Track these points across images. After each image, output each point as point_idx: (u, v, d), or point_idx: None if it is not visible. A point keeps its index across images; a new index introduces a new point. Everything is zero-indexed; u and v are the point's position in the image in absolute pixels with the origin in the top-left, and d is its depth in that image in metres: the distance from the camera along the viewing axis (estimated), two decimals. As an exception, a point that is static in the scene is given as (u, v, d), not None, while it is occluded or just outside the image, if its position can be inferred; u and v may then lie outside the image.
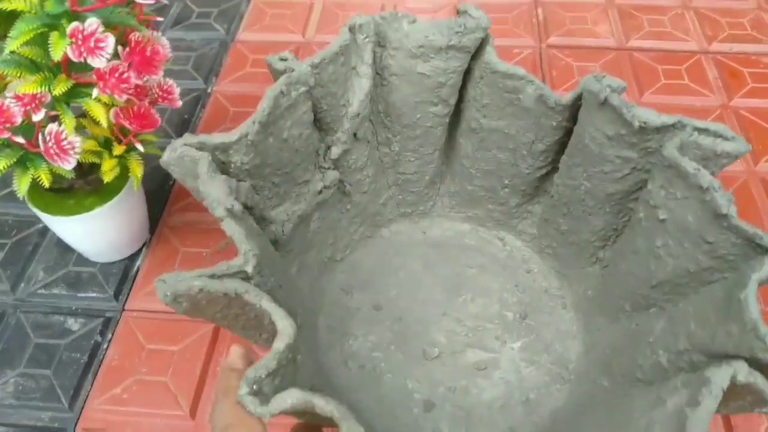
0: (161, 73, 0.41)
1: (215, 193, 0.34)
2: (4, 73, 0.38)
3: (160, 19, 0.48)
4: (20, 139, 0.41)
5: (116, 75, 0.38)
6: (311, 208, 0.47)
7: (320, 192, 0.47)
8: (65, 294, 0.56)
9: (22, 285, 0.56)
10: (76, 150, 0.41)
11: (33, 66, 0.39)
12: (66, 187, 0.51)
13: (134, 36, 0.40)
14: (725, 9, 0.80)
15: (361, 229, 0.54)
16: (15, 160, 0.42)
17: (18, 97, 0.39)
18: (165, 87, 0.45)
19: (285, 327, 0.29)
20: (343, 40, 0.44)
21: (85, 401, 0.49)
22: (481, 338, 0.48)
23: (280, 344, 0.29)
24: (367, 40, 0.45)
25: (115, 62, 0.38)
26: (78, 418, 0.48)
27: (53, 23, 0.37)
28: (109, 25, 0.38)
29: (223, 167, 0.39)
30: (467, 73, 0.47)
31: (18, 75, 0.38)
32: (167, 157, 0.36)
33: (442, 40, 0.44)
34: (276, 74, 0.41)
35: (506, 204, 0.52)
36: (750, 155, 0.64)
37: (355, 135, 0.47)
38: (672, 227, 0.37)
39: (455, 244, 0.54)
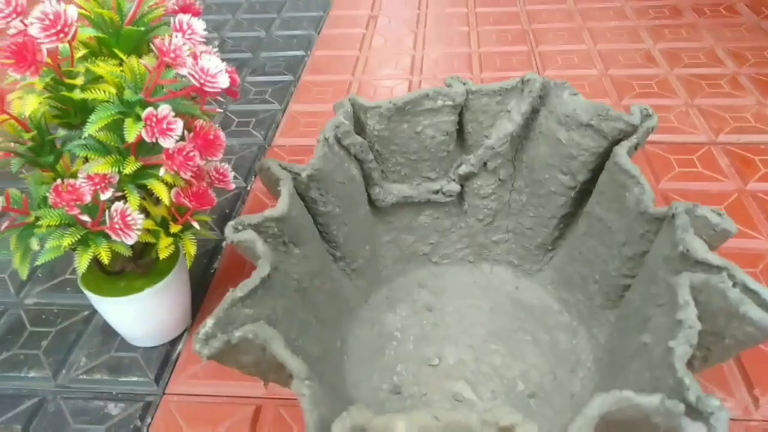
0: (220, 156, 0.45)
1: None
2: (81, 155, 0.42)
3: (219, 110, 0.53)
4: (86, 218, 0.44)
5: (183, 154, 0.42)
6: (422, 200, 0.58)
7: (436, 192, 0.57)
8: (106, 379, 0.56)
9: (64, 371, 0.57)
10: (138, 226, 0.44)
11: (104, 149, 0.43)
12: (118, 270, 0.54)
13: (198, 123, 0.44)
14: (726, 105, 0.86)
15: (465, 250, 0.60)
16: (78, 237, 0.45)
17: (89, 177, 0.42)
18: (221, 170, 0.49)
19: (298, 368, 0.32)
20: (506, 84, 0.53)
21: (121, 488, 0.48)
22: (479, 381, 0.50)
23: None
24: (530, 94, 0.52)
25: (182, 143, 0.42)
26: (114, 505, 0.47)
27: (128, 111, 0.42)
28: (176, 114, 0.43)
29: (359, 126, 0.54)
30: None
31: (91, 157, 0.42)
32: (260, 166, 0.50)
33: (584, 117, 0.49)
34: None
35: (592, 300, 0.53)
36: (772, 234, 0.66)
37: (485, 164, 0.55)
38: None
39: (531, 310, 0.57)
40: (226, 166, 0.49)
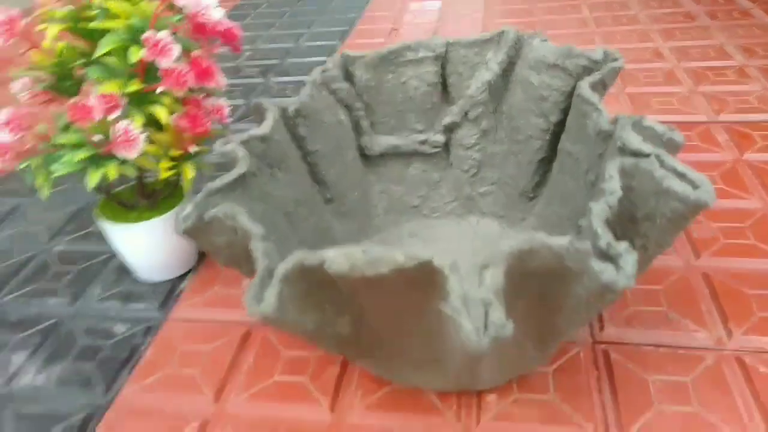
0: (214, 83, 0.51)
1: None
2: (94, 77, 0.49)
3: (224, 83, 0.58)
4: (96, 138, 0.50)
5: (178, 75, 0.48)
6: (410, 150, 0.62)
7: (423, 143, 0.61)
8: (117, 306, 0.61)
9: (80, 300, 0.63)
10: (140, 143, 0.50)
11: (114, 73, 0.50)
12: (130, 205, 0.60)
13: (194, 53, 0.50)
14: (731, 91, 0.87)
15: (454, 203, 0.64)
16: (89, 155, 0.51)
17: (100, 97, 0.49)
18: (217, 105, 0.55)
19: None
20: (483, 36, 0.57)
21: (117, 392, 0.52)
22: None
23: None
24: (506, 44, 0.56)
25: (178, 64, 0.48)
26: (110, 404, 0.51)
27: (134, 38, 0.48)
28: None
29: (349, 79, 0.59)
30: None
31: (102, 79, 0.49)
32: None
33: (551, 58, 0.53)
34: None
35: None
36: None
37: (466, 114, 0.59)
38: None
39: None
40: (223, 102, 0.55)
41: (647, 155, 0.38)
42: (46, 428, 0.49)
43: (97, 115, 0.49)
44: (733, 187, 0.67)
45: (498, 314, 0.30)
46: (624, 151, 0.40)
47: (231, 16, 1.51)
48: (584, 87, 0.50)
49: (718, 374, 0.47)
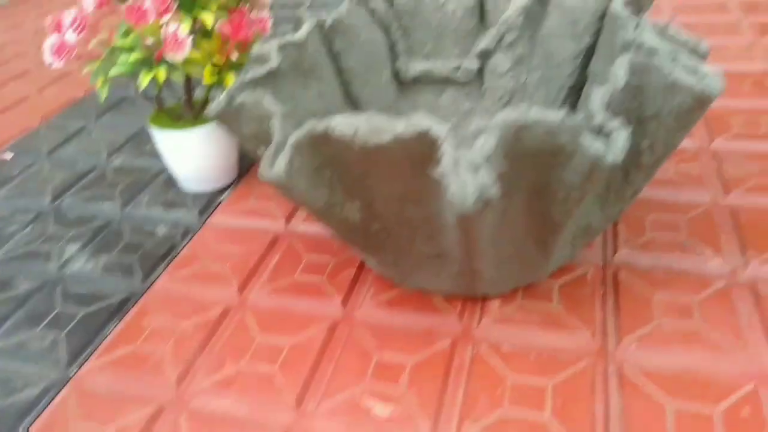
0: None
1: None
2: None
3: None
4: (149, 40, 0.55)
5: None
6: (443, 76, 0.63)
7: (457, 69, 0.62)
8: (161, 212, 0.66)
9: (130, 206, 0.68)
10: (187, 46, 0.53)
11: (168, -19, 0.53)
12: (178, 116, 0.65)
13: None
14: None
15: None
16: (142, 57, 0.55)
17: (154, 1, 0.53)
18: (261, 19, 0.58)
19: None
20: None
21: (154, 281, 0.57)
22: None
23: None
24: None
25: (223, -27, 0.51)
26: (146, 290, 0.56)
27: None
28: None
29: (388, 1, 0.60)
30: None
31: (156, -14, 0.53)
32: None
33: None
34: None
35: None
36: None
37: (501, 39, 0.59)
38: None
39: None
40: (267, 14, 0.58)
41: (659, 53, 0.38)
42: (87, 305, 0.55)
43: (151, 17, 0.53)
44: (778, 134, 0.65)
45: (485, 175, 0.32)
46: (640, 49, 0.40)
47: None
48: (616, 4, 0.49)
49: (726, 298, 0.47)
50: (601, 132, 0.33)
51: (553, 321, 0.47)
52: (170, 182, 0.71)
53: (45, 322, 0.53)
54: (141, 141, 0.82)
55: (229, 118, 0.45)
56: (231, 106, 0.44)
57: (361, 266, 0.55)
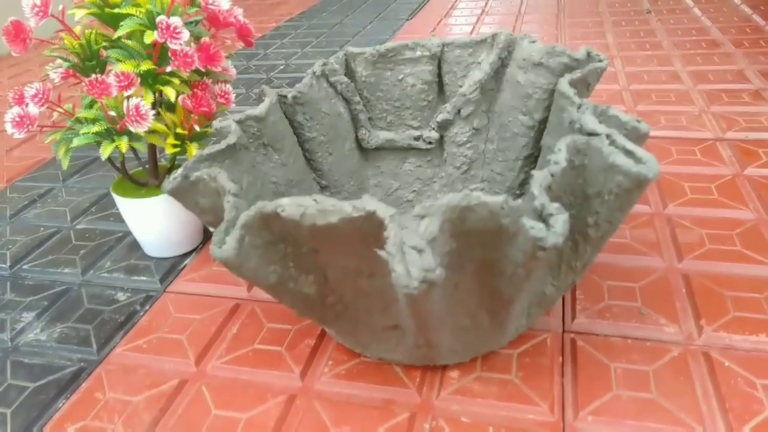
0: (219, 67, 0.55)
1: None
2: (113, 57, 0.54)
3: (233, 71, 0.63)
4: (112, 113, 0.55)
5: (185, 56, 0.52)
6: (405, 145, 0.65)
7: (417, 139, 0.64)
8: (122, 278, 0.66)
9: (91, 271, 0.67)
10: (149, 119, 0.54)
11: (131, 55, 0.55)
12: (142, 183, 0.65)
13: (204, 40, 0.55)
14: (743, 112, 0.87)
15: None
16: (105, 129, 0.56)
17: (117, 75, 0.54)
18: (224, 90, 0.59)
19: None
20: (478, 38, 0.61)
21: (109, 352, 0.56)
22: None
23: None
24: (499, 46, 0.59)
25: (186, 48, 0.53)
26: (101, 361, 0.55)
27: (150, 24, 0.53)
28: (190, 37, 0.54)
29: (350, 75, 0.63)
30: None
31: (120, 59, 0.54)
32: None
33: (537, 57, 0.56)
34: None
35: None
36: None
37: (459, 111, 0.62)
38: None
39: None
40: (230, 88, 0.60)
41: (601, 135, 0.40)
42: (40, 377, 0.53)
43: (114, 91, 0.54)
44: (727, 198, 0.67)
45: (428, 259, 0.32)
46: (581, 132, 0.42)
47: (272, 35, 1.59)
48: (563, 82, 0.52)
49: (682, 366, 0.47)
50: (541, 215, 0.34)
51: (511, 393, 0.46)
52: (134, 246, 0.71)
53: (-7, 398, 0.52)
54: (108, 204, 0.81)
55: (184, 193, 0.45)
56: (187, 180, 0.44)
57: (322, 335, 0.54)
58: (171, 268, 0.66)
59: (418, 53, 0.62)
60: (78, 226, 0.77)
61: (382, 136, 0.65)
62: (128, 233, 0.74)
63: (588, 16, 1.43)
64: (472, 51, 0.62)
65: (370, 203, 0.35)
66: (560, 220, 0.33)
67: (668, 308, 0.53)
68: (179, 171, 0.45)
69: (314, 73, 0.60)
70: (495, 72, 0.61)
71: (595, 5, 1.53)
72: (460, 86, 0.63)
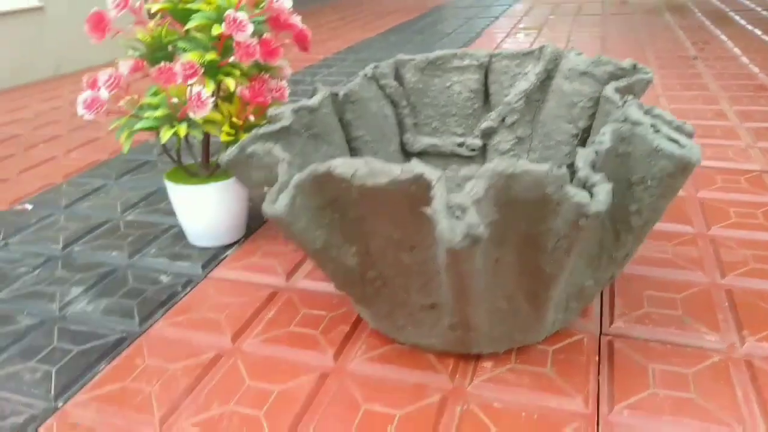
0: (278, 61, 0.59)
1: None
2: (181, 47, 0.58)
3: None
4: (174, 99, 0.59)
5: (248, 48, 0.56)
6: (448, 150, 0.67)
7: (461, 145, 0.66)
8: (166, 262, 0.68)
9: (137, 256, 0.70)
10: (209, 106, 0.58)
11: (199, 46, 0.58)
12: (194, 173, 0.68)
13: (265, 36, 0.59)
14: (791, 148, 0.86)
15: None
16: (166, 114, 0.59)
17: (183, 65, 0.58)
18: (279, 87, 0.62)
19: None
20: (525, 50, 0.63)
21: (151, 325, 0.58)
22: None
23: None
24: (546, 59, 0.62)
25: (250, 41, 0.56)
26: (143, 332, 0.56)
27: (219, 17, 0.57)
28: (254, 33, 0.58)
29: (398, 79, 0.65)
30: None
31: (187, 49, 0.58)
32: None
33: (582, 66, 0.58)
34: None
35: None
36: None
37: (503, 120, 0.64)
38: None
39: None
40: (285, 84, 0.63)
41: (643, 124, 0.41)
42: (83, 343, 0.55)
43: (179, 79, 0.58)
44: (774, 224, 0.66)
45: (473, 216, 0.33)
46: (626, 121, 0.43)
47: (319, 65, 1.66)
48: (608, 88, 0.53)
49: (722, 370, 0.46)
50: (585, 185, 0.35)
51: (545, 384, 0.46)
52: (179, 237, 0.73)
53: (39, 357, 0.53)
54: (157, 200, 0.85)
55: (240, 165, 0.47)
56: (243, 153, 0.47)
57: (357, 323, 0.55)
58: (213, 257, 0.69)
59: (466, 62, 0.64)
60: (128, 218, 0.80)
61: (426, 141, 0.67)
62: (175, 225, 0.76)
63: (633, 56, 1.45)
64: (519, 62, 0.64)
65: (418, 166, 0.36)
66: (604, 189, 0.34)
67: (710, 319, 0.52)
68: (236, 145, 0.48)
69: (365, 74, 0.63)
70: (541, 83, 0.63)
71: (641, 51, 1.55)
72: (506, 96, 0.65)
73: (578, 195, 0.34)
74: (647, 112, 0.46)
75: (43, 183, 0.94)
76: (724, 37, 1.66)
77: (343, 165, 0.37)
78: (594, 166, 0.37)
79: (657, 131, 0.40)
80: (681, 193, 0.75)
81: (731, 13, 2.05)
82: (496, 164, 0.35)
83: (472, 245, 0.33)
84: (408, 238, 0.40)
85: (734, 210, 0.70)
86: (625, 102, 0.46)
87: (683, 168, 0.37)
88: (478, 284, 0.40)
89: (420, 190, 0.36)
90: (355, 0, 3.22)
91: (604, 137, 0.39)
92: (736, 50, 1.50)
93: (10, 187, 0.94)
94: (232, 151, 0.47)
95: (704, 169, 0.82)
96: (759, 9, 2.10)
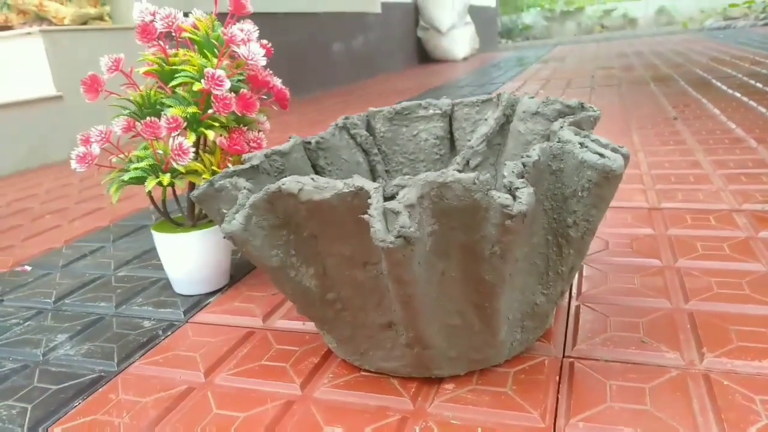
0: (254, 115, 0.64)
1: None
2: (167, 104, 0.63)
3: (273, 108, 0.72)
4: (160, 151, 0.64)
5: (225, 100, 0.61)
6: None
7: None
8: (150, 310, 0.70)
9: (124, 306, 0.73)
10: (190, 154, 0.62)
11: (182, 102, 0.64)
12: (179, 224, 0.72)
13: (242, 91, 0.64)
14: (760, 189, 0.89)
15: None
16: (151, 165, 0.64)
17: (167, 118, 0.63)
18: (257, 138, 0.67)
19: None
20: (483, 97, 0.68)
21: (128, 365, 0.59)
22: None
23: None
24: (502, 104, 0.66)
25: (227, 94, 0.62)
26: (120, 371, 0.58)
27: (200, 76, 0.63)
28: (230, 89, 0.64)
29: (369, 131, 0.69)
30: None
31: (172, 105, 0.63)
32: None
33: (534, 107, 0.63)
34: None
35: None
36: (776, 266, 0.65)
37: (468, 163, 0.67)
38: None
39: None
40: (263, 136, 0.68)
41: (574, 142, 0.44)
42: (62, 382, 0.57)
43: (163, 131, 0.63)
44: (739, 254, 0.68)
45: (404, 219, 0.36)
46: (558, 140, 0.46)
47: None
48: (556, 124, 0.57)
49: (680, 384, 0.46)
50: (510, 190, 0.38)
51: (504, 402, 0.47)
52: (166, 287, 0.76)
53: (17, 396, 0.55)
54: (150, 257, 0.88)
55: (209, 199, 0.51)
56: (212, 187, 0.50)
57: (327, 355, 0.56)
58: (196, 303, 0.71)
59: (431, 111, 0.69)
60: (119, 273, 0.83)
61: (400, 178, 0.71)
62: (163, 278, 0.79)
63: (615, 121, 1.51)
64: (479, 109, 0.68)
65: (359, 180, 0.39)
66: (526, 192, 0.37)
67: (671, 339, 0.53)
68: (206, 182, 0.51)
69: (336, 124, 0.68)
70: (500, 127, 0.67)
71: (625, 115, 1.62)
72: (469, 140, 0.69)
73: (502, 198, 0.37)
74: (582, 135, 0.50)
75: (45, 248, 0.98)
76: (704, 101, 1.73)
77: (291, 182, 0.40)
78: (522, 177, 0.40)
79: (585, 147, 0.43)
80: (651, 231, 0.77)
81: (714, 81, 2.14)
82: (427, 174, 0.38)
83: (405, 245, 0.36)
84: (359, 254, 0.43)
85: (702, 244, 0.72)
86: (561, 127, 0.49)
87: (606, 177, 0.40)
88: (426, 296, 0.42)
89: (361, 202, 0.39)
90: (359, 85, 3.39)
91: (533, 152, 0.42)
92: (716, 110, 1.56)
93: (13, 251, 0.98)
94: (202, 186, 0.51)
95: (676, 210, 0.84)
96: (740, 75, 2.19)
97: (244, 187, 0.46)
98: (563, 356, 0.52)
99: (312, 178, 0.40)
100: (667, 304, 0.59)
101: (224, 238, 0.43)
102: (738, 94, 1.77)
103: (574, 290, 0.64)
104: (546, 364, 0.51)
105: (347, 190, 0.39)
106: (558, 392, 0.47)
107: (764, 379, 0.46)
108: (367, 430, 0.45)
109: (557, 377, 0.49)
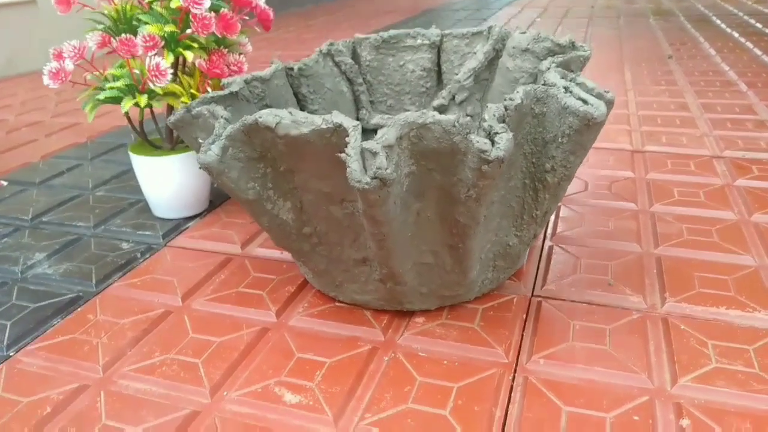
0: (235, 36, 0.61)
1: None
2: (144, 21, 0.61)
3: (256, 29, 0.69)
4: (137, 70, 0.61)
5: (204, 20, 0.58)
6: None
7: None
8: (128, 231, 0.70)
9: (102, 226, 0.73)
10: (168, 76, 0.60)
11: (160, 19, 0.61)
12: (157, 146, 0.70)
13: (222, 11, 0.61)
14: (744, 136, 0.89)
15: None
16: (128, 85, 0.62)
17: (144, 37, 0.60)
18: (238, 62, 0.65)
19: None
20: (474, 29, 0.66)
21: (106, 287, 0.60)
22: None
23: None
24: (493, 38, 0.64)
25: (207, 14, 0.59)
26: (98, 293, 0.59)
27: (178, -7, 0.60)
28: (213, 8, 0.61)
29: (354, 59, 0.67)
30: None
31: (149, 22, 0.60)
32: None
33: (524, 43, 0.61)
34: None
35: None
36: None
37: (454, 98, 0.65)
38: None
39: None
40: (244, 59, 0.66)
41: (557, 86, 0.44)
42: (41, 300, 0.57)
43: (140, 50, 0.60)
44: (713, 201, 0.69)
45: (381, 160, 0.36)
46: (543, 83, 0.46)
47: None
48: (544, 63, 0.55)
49: (639, 326, 0.49)
50: (489, 134, 0.37)
51: (470, 337, 0.48)
52: (144, 209, 0.76)
53: (-5, 312, 0.56)
54: (128, 178, 0.87)
55: (186, 125, 0.50)
56: (189, 114, 0.49)
57: (303, 285, 0.57)
58: (175, 227, 0.71)
59: (419, 41, 0.67)
60: (97, 193, 0.83)
61: (380, 117, 0.70)
62: (141, 200, 0.79)
63: (609, 56, 1.48)
64: (469, 41, 0.67)
65: (338, 117, 0.39)
66: (505, 138, 0.37)
67: (636, 283, 0.55)
68: (182, 108, 0.50)
69: (320, 51, 0.65)
70: (489, 62, 0.65)
71: (620, 46, 1.58)
72: (456, 74, 0.68)
73: (480, 142, 0.36)
74: (568, 78, 0.49)
75: (21, 162, 0.97)
76: (701, 39, 1.69)
77: (268, 115, 0.40)
78: (503, 120, 0.39)
79: (569, 92, 0.43)
80: (631, 174, 0.78)
81: (713, 18, 2.09)
82: (407, 115, 0.38)
83: (380, 186, 0.36)
84: (336, 192, 0.43)
85: (678, 189, 0.73)
86: (548, 68, 0.48)
87: (587, 124, 0.40)
88: (401, 236, 0.42)
89: (339, 139, 0.39)
90: (348, 2, 3.26)
91: (516, 95, 0.41)
92: (711, 51, 1.53)
93: (-12, 165, 0.97)
94: (179, 111, 0.50)
95: (658, 154, 0.84)
96: (741, 14, 2.14)
97: (222, 116, 0.45)
98: (531, 295, 0.54)
99: (290, 112, 0.39)
100: (637, 248, 0.60)
101: (200, 168, 0.42)
102: (736, 34, 1.74)
103: (549, 230, 0.65)
104: (514, 303, 0.53)
105: (325, 127, 0.38)
106: (523, 330, 0.49)
107: (719, 325, 0.48)
108: (338, 358, 0.47)
109: (524, 315, 0.51)
